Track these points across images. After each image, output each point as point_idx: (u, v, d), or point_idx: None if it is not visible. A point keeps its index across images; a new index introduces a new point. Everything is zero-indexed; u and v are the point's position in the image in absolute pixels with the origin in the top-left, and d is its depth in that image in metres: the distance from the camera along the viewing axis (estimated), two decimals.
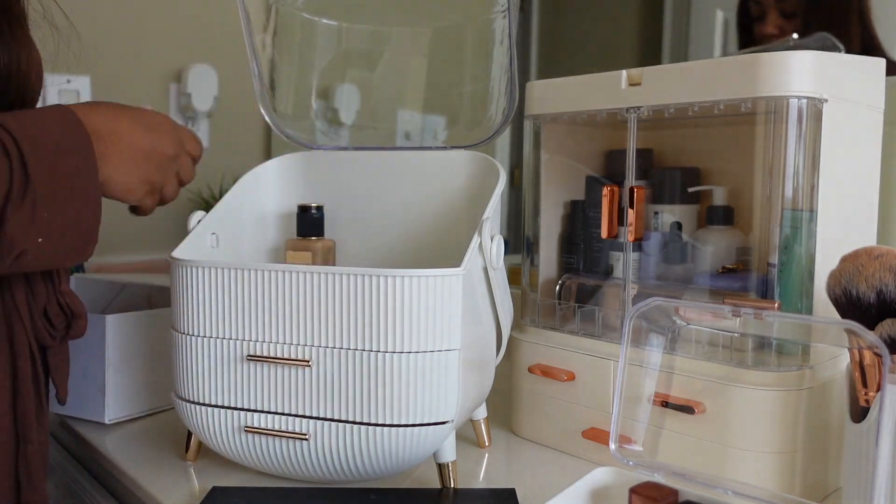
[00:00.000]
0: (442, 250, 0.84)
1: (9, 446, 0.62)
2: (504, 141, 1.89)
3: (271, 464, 0.69)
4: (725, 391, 0.66)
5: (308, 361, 0.65)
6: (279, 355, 0.66)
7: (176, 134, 0.69)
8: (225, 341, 0.68)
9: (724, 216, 0.80)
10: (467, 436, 0.83)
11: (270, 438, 0.68)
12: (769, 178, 0.67)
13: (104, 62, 1.75)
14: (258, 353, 0.67)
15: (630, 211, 0.76)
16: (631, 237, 0.76)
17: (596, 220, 0.84)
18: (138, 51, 1.81)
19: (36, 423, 0.64)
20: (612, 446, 0.62)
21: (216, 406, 0.69)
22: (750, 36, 1.36)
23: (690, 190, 0.82)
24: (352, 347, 0.64)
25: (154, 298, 1.07)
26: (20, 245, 0.54)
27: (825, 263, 0.63)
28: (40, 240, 0.55)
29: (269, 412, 0.68)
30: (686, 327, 0.70)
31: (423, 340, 0.63)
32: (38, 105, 0.65)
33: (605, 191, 0.79)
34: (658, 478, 0.59)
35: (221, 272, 0.67)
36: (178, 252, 0.74)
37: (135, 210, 0.69)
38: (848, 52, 0.94)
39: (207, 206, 1.58)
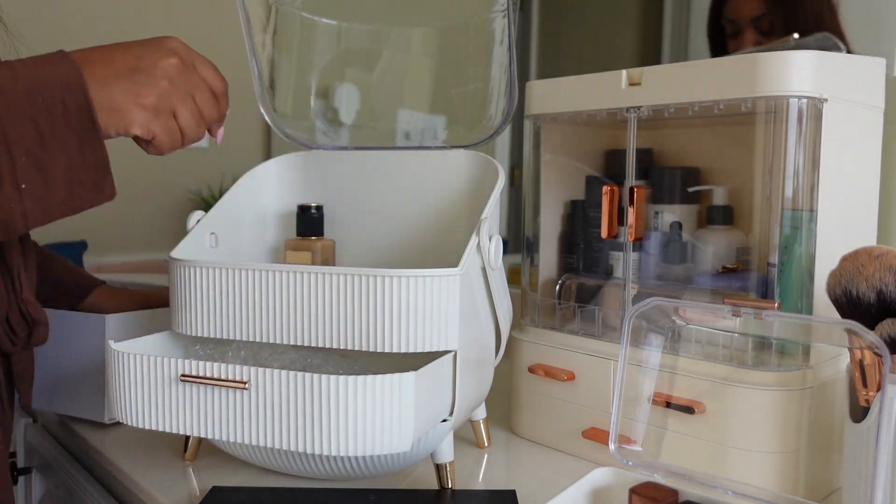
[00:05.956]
0: (442, 250, 0.84)
1: None
2: (504, 141, 1.89)
3: (274, 459, 0.69)
4: (726, 391, 0.66)
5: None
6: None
7: (181, 50, 0.61)
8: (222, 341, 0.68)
9: (724, 216, 0.80)
10: (467, 436, 0.83)
11: None
12: (769, 178, 0.67)
13: None
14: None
15: (630, 211, 0.76)
16: (631, 237, 0.76)
17: (596, 219, 0.84)
18: None
19: None
20: (612, 446, 0.62)
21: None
22: (722, 51, 1.36)
23: (690, 190, 0.82)
24: (349, 347, 0.64)
25: None
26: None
27: (825, 263, 0.63)
28: (23, 186, 0.52)
29: None
30: (686, 327, 0.70)
31: (420, 340, 0.63)
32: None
33: (605, 190, 0.78)
34: (658, 478, 0.59)
35: (220, 272, 0.67)
36: (177, 252, 0.74)
37: (147, 145, 0.61)
38: None
39: (207, 206, 1.58)
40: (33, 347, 0.70)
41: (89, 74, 0.55)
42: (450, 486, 0.69)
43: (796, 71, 0.64)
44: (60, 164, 0.53)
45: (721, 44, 1.37)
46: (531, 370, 0.82)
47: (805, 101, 0.65)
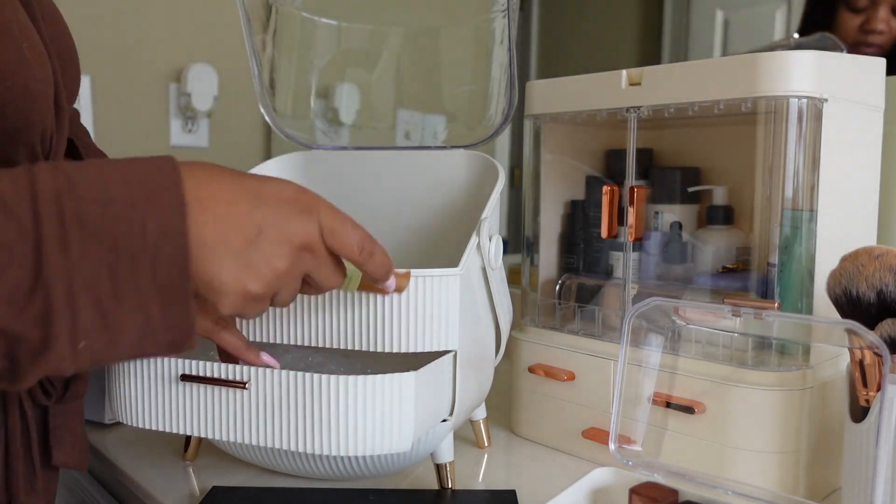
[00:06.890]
0: (442, 250, 0.84)
1: None
2: (504, 141, 1.89)
3: (274, 459, 0.69)
4: (725, 391, 0.66)
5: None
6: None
7: (312, 214, 0.50)
8: None
9: (724, 216, 0.80)
10: (467, 436, 0.83)
11: None
12: (769, 178, 0.67)
13: (104, 62, 1.75)
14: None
15: (630, 211, 0.76)
16: (631, 237, 0.76)
17: (596, 219, 0.84)
18: (138, 51, 1.81)
19: (26, 485, 0.56)
20: (612, 446, 0.62)
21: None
22: (822, 26, 1.29)
23: (690, 190, 0.82)
24: (350, 347, 0.64)
25: None
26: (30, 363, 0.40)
27: (825, 263, 0.63)
28: (82, 344, 0.41)
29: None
30: (686, 327, 0.70)
31: (420, 340, 0.63)
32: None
33: (605, 190, 0.78)
34: (658, 478, 0.59)
35: None
36: None
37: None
38: None
39: None
40: (72, 402, 0.61)
41: (197, 232, 0.43)
42: (450, 486, 0.69)
43: (796, 71, 0.64)
44: (133, 323, 0.42)
45: (824, 17, 1.30)
46: (531, 370, 0.82)
47: (805, 101, 0.65)
